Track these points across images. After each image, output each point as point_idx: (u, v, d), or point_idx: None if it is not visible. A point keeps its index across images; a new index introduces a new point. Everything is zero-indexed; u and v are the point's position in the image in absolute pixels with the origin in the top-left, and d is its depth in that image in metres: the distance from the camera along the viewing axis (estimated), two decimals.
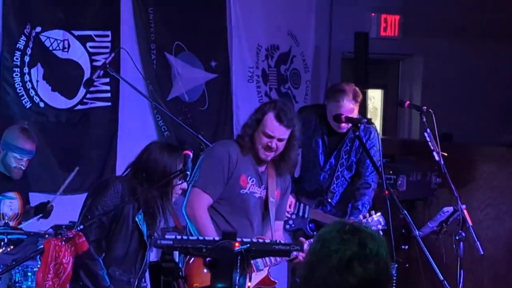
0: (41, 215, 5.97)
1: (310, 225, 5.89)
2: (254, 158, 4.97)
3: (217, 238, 4.01)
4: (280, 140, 4.88)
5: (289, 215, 5.76)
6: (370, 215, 5.50)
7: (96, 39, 7.00)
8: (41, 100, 6.75)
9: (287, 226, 5.78)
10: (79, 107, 6.89)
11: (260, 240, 4.36)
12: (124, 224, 4.42)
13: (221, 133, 7.60)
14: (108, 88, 6.98)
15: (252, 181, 4.96)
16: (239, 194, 4.94)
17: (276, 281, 5.10)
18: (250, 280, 3.97)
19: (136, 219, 4.44)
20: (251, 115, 4.98)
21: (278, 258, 4.99)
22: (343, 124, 5.70)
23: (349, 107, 5.67)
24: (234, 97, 7.81)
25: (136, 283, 4.55)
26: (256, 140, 4.89)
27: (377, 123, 9.71)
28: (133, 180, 4.47)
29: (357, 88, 5.78)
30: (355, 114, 5.71)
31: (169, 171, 4.41)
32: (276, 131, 4.85)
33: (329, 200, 5.97)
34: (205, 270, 4.42)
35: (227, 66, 7.80)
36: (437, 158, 5.67)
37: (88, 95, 6.89)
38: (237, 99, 7.81)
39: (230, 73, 7.80)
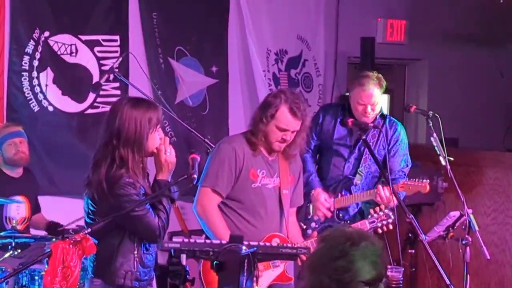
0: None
1: (339, 212, 5.86)
2: (265, 149, 4.97)
3: (224, 242, 4.03)
4: (293, 132, 4.90)
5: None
6: (380, 209, 5.32)
7: (104, 43, 7.02)
8: (50, 104, 6.78)
9: (309, 231, 5.71)
10: (90, 111, 6.92)
11: (268, 244, 4.36)
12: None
13: (219, 138, 7.59)
14: (118, 92, 7.00)
15: (263, 173, 4.95)
16: (251, 188, 4.93)
17: (292, 276, 5.07)
18: (257, 283, 3.98)
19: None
20: (260, 110, 4.93)
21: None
22: (368, 115, 5.75)
23: (374, 92, 5.75)
24: (230, 102, 7.83)
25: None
26: (269, 135, 4.88)
27: None
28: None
29: (380, 75, 5.89)
30: (380, 100, 5.80)
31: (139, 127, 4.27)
32: (291, 125, 4.86)
33: (357, 181, 5.92)
34: None
35: (227, 71, 7.83)
36: (443, 162, 5.68)
37: (99, 99, 6.92)
38: (234, 104, 7.82)
39: (229, 78, 7.83)
